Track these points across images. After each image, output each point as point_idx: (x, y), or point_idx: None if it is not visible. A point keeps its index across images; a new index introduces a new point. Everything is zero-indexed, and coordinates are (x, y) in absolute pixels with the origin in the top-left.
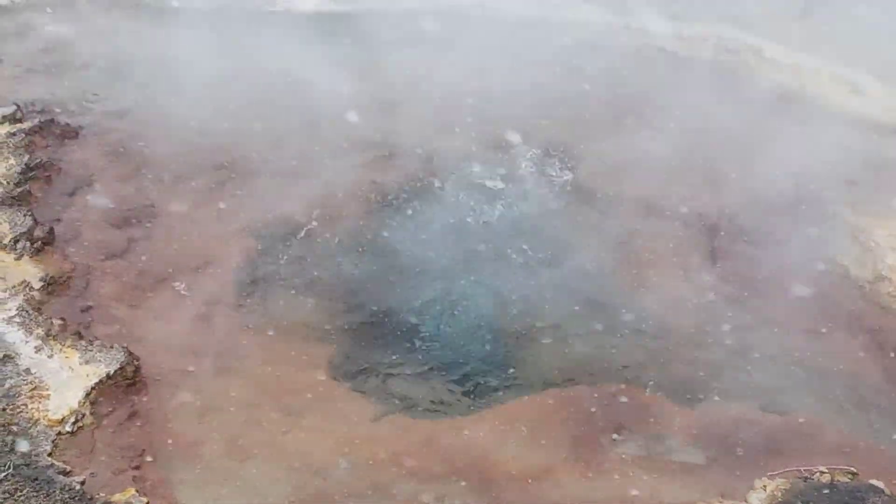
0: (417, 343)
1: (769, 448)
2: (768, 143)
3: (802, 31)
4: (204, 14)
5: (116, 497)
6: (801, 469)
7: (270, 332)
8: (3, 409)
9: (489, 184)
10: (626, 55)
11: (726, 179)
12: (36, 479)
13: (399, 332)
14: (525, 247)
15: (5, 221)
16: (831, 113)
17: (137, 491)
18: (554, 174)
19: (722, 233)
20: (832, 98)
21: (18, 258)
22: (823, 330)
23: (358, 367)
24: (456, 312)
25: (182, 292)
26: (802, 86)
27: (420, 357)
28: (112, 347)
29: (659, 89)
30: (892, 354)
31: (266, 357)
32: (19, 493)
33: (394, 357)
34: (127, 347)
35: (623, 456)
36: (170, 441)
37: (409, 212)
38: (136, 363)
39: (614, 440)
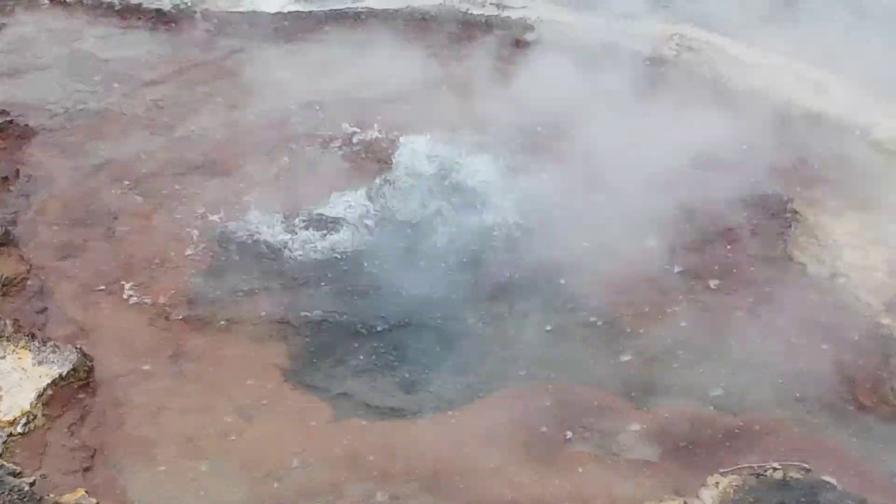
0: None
1: (724, 446)
2: (728, 141)
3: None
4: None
5: (66, 498)
6: (755, 466)
7: (227, 333)
8: None
9: None
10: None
11: (684, 178)
12: None
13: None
14: None
15: None
16: (795, 112)
17: (87, 492)
18: None
19: (680, 230)
20: (795, 97)
21: None
22: (780, 328)
23: (316, 368)
24: None
25: (138, 292)
26: (766, 85)
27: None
28: (66, 348)
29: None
30: (847, 352)
31: (222, 357)
32: None
33: (354, 359)
34: (80, 348)
35: (577, 454)
36: (122, 442)
37: None
38: (89, 364)
39: (568, 439)
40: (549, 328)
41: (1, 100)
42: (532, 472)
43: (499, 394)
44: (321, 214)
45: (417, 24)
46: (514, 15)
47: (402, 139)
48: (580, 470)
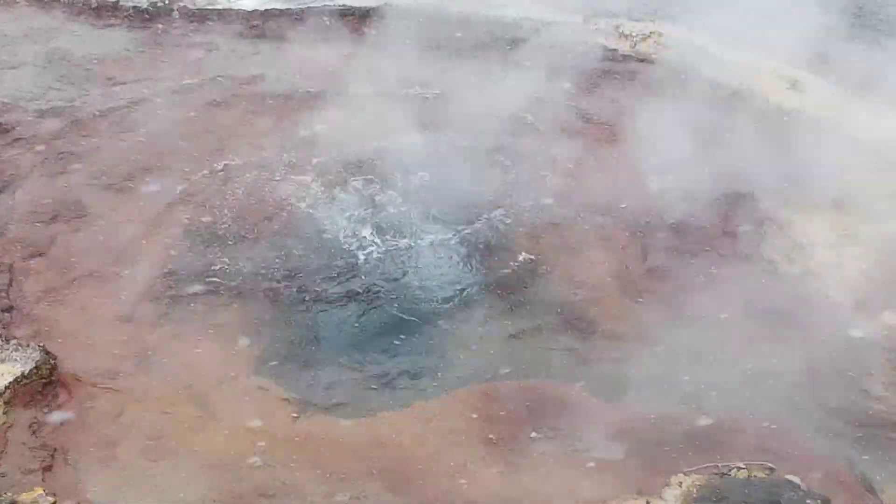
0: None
1: (691, 445)
2: (704, 140)
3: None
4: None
5: (23, 497)
6: (719, 465)
7: (194, 329)
8: None
9: None
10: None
11: (661, 177)
12: None
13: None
14: None
15: None
16: (771, 110)
17: (45, 490)
18: None
19: (653, 230)
20: (772, 95)
21: None
22: (751, 327)
23: (283, 365)
24: None
25: (106, 290)
26: (741, 83)
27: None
28: (28, 346)
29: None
30: (816, 352)
31: (189, 355)
32: None
33: (322, 356)
34: (44, 346)
35: (541, 453)
36: (84, 440)
37: None
38: (52, 362)
39: (533, 437)
40: None
41: None
42: (495, 471)
43: (464, 390)
44: None
45: (398, 21)
46: (493, 13)
47: None
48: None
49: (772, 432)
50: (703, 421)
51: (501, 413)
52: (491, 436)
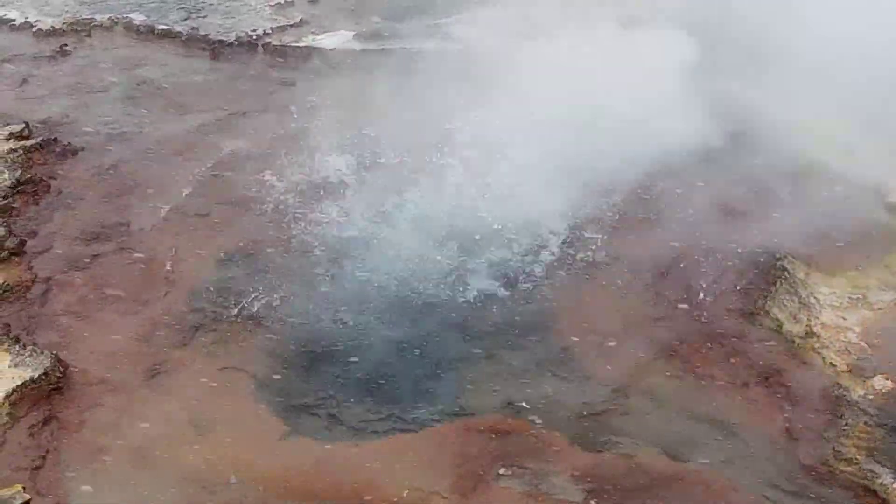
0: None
1: (652, 493)
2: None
3: None
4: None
5: (2, 492)
6: None
7: (207, 351)
8: None
9: None
10: None
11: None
12: None
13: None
14: None
15: None
16: None
17: (24, 487)
18: None
19: (667, 282)
20: None
21: None
22: (742, 383)
23: (283, 393)
24: None
25: (133, 308)
26: None
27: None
28: (42, 353)
29: None
30: (798, 410)
31: (196, 374)
32: None
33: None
34: (56, 354)
35: (504, 489)
36: (76, 446)
37: None
38: (62, 370)
39: (501, 474)
40: None
41: (54, 119)
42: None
43: (443, 423)
44: None
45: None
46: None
47: None
48: None
49: (732, 485)
50: (668, 469)
51: (475, 447)
52: (460, 468)
